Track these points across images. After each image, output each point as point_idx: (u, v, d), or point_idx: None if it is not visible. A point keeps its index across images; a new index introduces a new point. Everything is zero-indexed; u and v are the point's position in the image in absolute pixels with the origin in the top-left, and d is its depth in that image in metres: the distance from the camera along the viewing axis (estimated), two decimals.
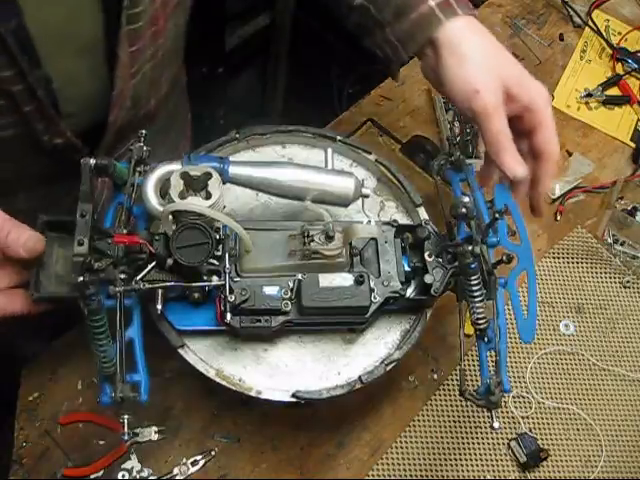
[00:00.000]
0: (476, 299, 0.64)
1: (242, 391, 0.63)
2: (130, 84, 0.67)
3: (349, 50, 1.84)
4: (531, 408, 0.82)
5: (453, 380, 0.82)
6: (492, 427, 0.63)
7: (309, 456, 0.76)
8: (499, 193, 0.71)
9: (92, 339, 0.56)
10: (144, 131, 0.60)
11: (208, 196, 0.59)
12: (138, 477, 0.72)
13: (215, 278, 0.60)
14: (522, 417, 0.82)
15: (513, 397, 0.83)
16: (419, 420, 0.80)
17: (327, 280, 0.62)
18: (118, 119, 0.68)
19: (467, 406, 0.81)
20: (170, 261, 0.57)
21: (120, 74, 0.64)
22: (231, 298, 0.59)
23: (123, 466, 0.72)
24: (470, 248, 0.62)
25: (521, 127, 0.71)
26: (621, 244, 0.95)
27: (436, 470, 0.78)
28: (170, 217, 0.57)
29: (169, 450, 0.74)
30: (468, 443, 0.80)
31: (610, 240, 0.95)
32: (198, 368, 0.63)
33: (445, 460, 0.78)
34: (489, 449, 0.80)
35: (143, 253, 0.58)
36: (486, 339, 0.65)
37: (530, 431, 0.81)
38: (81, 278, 0.52)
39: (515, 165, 0.67)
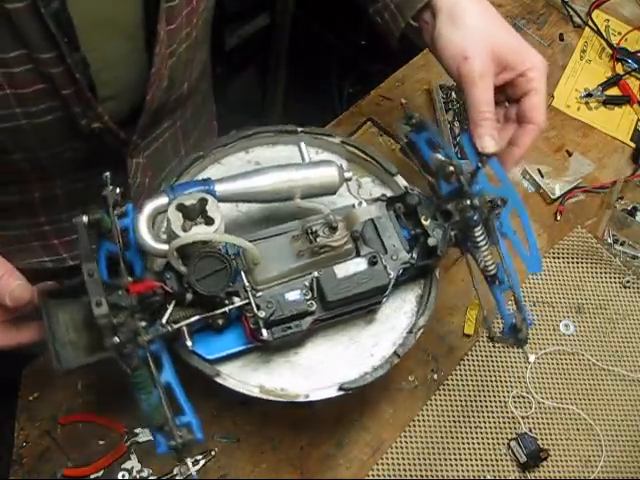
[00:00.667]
0: (482, 248, 0.66)
1: (290, 400, 0.62)
2: (168, 63, 0.68)
3: (349, 50, 1.84)
4: (531, 408, 0.82)
5: (453, 380, 0.82)
6: (528, 361, 0.71)
7: (309, 456, 0.76)
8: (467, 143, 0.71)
9: (137, 393, 0.55)
10: (107, 173, 0.58)
11: (209, 221, 0.57)
12: (138, 477, 0.72)
13: (236, 299, 0.59)
14: (522, 417, 0.82)
15: (513, 397, 0.83)
16: (419, 420, 0.80)
17: (343, 270, 0.62)
18: (155, 99, 0.68)
19: (467, 406, 0.81)
20: (190, 296, 0.57)
21: (159, 52, 0.64)
22: (261, 314, 0.58)
23: (123, 466, 0.72)
24: (469, 202, 0.63)
25: (513, 93, 0.71)
26: (621, 244, 0.95)
27: (436, 470, 0.78)
28: (174, 252, 0.57)
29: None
30: (468, 443, 0.80)
31: (610, 240, 0.95)
32: (241, 391, 0.62)
33: (445, 460, 0.78)
34: (489, 449, 0.80)
35: (157, 295, 0.56)
36: (497, 282, 0.67)
37: (530, 431, 0.81)
38: (115, 339, 0.51)
39: (488, 141, 0.67)
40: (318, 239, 0.62)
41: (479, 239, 0.66)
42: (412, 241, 0.67)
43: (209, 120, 0.94)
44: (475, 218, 0.64)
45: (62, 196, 0.72)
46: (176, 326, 0.57)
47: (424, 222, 0.66)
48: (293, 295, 0.61)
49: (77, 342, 0.56)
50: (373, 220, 0.66)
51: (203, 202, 0.57)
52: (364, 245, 0.65)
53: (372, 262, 0.63)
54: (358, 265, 0.63)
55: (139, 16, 0.63)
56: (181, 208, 0.57)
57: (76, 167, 0.71)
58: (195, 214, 0.57)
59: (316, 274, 0.62)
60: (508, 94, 0.72)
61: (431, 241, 0.65)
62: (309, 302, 0.61)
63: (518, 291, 0.66)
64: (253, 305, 0.59)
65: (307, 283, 0.62)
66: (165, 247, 0.57)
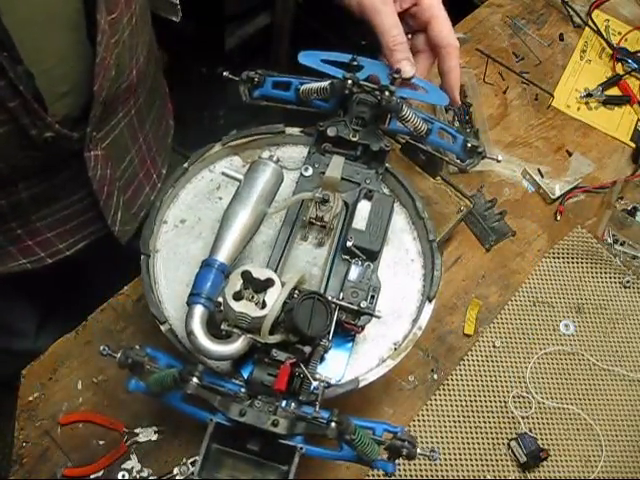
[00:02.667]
0: (411, 120, 0.68)
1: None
2: (113, 53, 0.68)
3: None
4: (531, 408, 0.82)
5: (453, 380, 0.82)
6: (498, 161, 0.70)
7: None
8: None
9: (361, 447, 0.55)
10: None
11: (262, 305, 0.56)
12: (138, 477, 0.72)
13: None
14: (522, 417, 0.82)
15: (513, 397, 0.83)
16: (419, 420, 0.80)
17: (360, 221, 0.64)
18: (103, 89, 0.68)
19: (467, 406, 0.81)
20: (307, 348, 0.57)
21: (101, 41, 0.65)
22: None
23: (123, 466, 0.72)
24: (387, 94, 0.65)
25: (415, 24, 0.73)
26: (621, 244, 0.95)
27: (436, 470, 0.78)
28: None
29: (169, 450, 0.74)
30: (468, 443, 0.80)
31: (610, 240, 0.95)
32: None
33: (445, 460, 0.78)
34: (489, 449, 0.80)
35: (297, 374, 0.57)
36: (429, 132, 0.70)
37: (530, 431, 0.81)
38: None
39: (406, 65, 0.69)
40: (325, 219, 0.63)
41: (406, 114, 0.67)
42: (365, 156, 0.70)
43: (163, 102, 0.94)
44: (398, 102, 0.66)
45: (28, 199, 0.73)
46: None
47: (352, 138, 0.69)
48: (354, 273, 0.63)
49: None
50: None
51: (269, 282, 0.56)
52: (349, 193, 0.68)
53: (369, 196, 0.65)
54: (364, 208, 0.64)
55: (78, 7, 0.63)
56: (246, 276, 0.56)
57: (37, 171, 0.71)
58: (257, 287, 0.56)
59: (349, 244, 0.63)
60: (410, 26, 0.73)
61: (374, 146, 0.68)
62: (368, 269, 0.63)
63: (455, 129, 0.71)
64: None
65: (350, 259, 0.64)
66: (223, 349, 0.56)
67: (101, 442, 0.73)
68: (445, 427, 0.80)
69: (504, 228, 0.94)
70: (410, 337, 0.65)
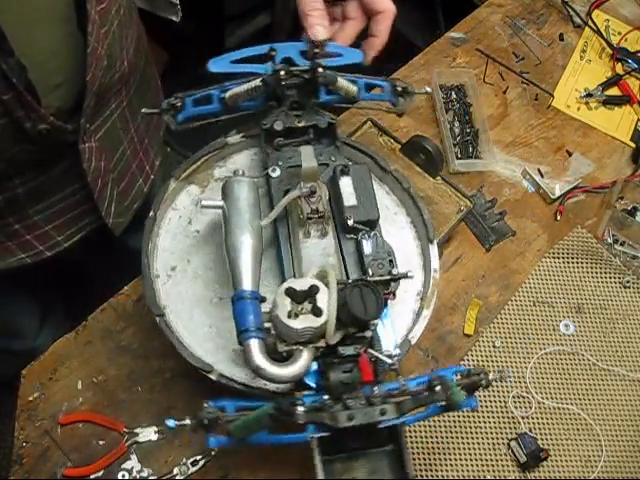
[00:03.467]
0: (342, 88, 0.69)
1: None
2: (104, 43, 0.68)
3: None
4: (531, 408, 0.82)
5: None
6: (428, 93, 0.73)
7: (309, 456, 0.76)
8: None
9: None
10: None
11: (317, 312, 0.55)
12: (138, 477, 0.72)
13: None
14: (522, 417, 0.82)
15: (513, 397, 0.83)
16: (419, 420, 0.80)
17: (349, 196, 0.65)
18: (96, 79, 0.69)
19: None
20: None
21: (92, 31, 0.65)
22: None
23: (123, 466, 0.72)
24: (320, 70, 0.66)
25: None
26: (621, 244, 0.95)
27: (436, 470, 0.78)
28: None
29: (169, 450, 0.74)
30: (468, 443, 0.80)
31: (610, 240, 0.95)
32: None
33: (445, 460, 0.78)
34: (489, 449, 0.80)
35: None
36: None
37: (530, 431, 0.81)
38: None
39: (318, 29, 0.68)
40: (319, 208, 0.63)
41: (339, 83, 0.68)
42: (317, 138, 0.71)
43: (155, 95, 0.94)
44: (333, 74, 0.67)
45: (24, 194, 0.73)
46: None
47: (299, 124, 0.69)
48: (368, 247, 0.64)
49: None
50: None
51: (314, 289, 0.56)
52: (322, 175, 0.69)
53: (345, 171, 0.66)
54: (346, 184, 0.66)
55: (71, 1, 0.63)
56: (290, 292, 0.56)
57: (32, 165, 0.71)
58: (303, 298, 0.56)
59: (350, 222, 0.64)
60: None
61: (321, 124, 0.70)
62: (377, 238, 0.65)
63: (366, 78, 0.72)
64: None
65: (355, 236, 0.65)
66: (298, 366, 0.56)
67: (101, 442, 0.73)
68: (445, 427, 0.80)
69: (504, 228, 0.94)
70: (431, 282, 0.67)
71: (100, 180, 0.78)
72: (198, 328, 0.67)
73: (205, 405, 0.54)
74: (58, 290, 1.09)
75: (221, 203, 0.63)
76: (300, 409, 0.51)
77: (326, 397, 0.56)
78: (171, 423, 0.53)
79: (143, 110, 0.69)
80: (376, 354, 0.58)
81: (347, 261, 0.65)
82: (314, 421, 0.53)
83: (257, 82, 0.67)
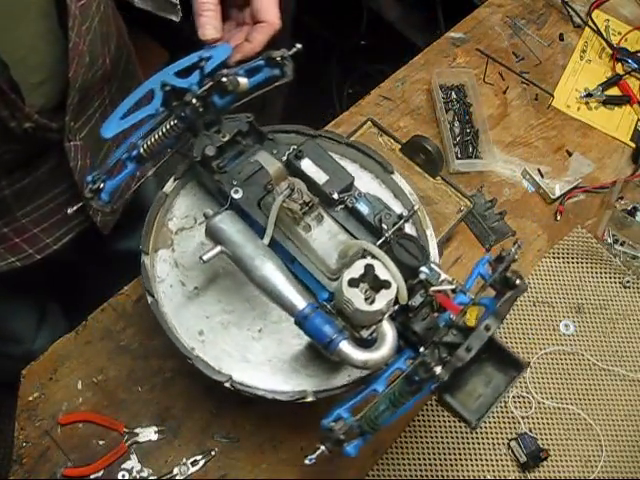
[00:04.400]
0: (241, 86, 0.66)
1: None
2: (85, 40, 0.68)
3: (349, 50, 1.84)
4: (531, 408, 0.82)
5: None
6: (301, 53, 0.67)
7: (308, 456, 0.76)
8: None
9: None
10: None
11: (386, 285, 0.57)
12: (138, 477, 0.72)
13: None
14: (522, 417, 0.82)
15: (513, 397, 0.83)
16: (419, 420, 0.80)
17: (317, 174, 0.66)
18: (78, 76, 0.69)
19: None
20: None
21: (73, 26, 0.65)
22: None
23: (123, 466, 0.72)
24: (230, 78, 0.64)
25: None
26: (621, 244, 0.95)
27: (436, 470, 0.78)
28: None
29: (169, 450, 0.74)
30: (468, 443, 0.80)
31: (610, 240, 0.95)
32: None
33: (445, 460, 0.78)
34: (489, 449, 0.80)
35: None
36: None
37: (530, 431, 0.81)
38: None
39: (209, 29, 0.67)
40: (305, 199, 0.63)
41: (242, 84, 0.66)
42: (248, 141, 0.70)
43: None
44: (231, 78, 0.65)
45: (11, 196, 0.73)
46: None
47: (226, 139, 0.68)
48: (363, 207, 0.66)
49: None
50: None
51: (386, 284, 0.57)
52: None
53: (300, 155, 0.67)
54: (308, 165, 0.67)
55: None
56: (352, 283, 0.57)
57: (18, 165, 0.71)
58: (374, 284, 0.57)
59: (335, 196, 0.66)
60: (236, 1, 0.72)
61: (243, 127, 0.69)
62: (364, 196, 0.67)
63: (247, 65, 0.69)
64: None
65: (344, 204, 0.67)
66: (390, 340, 0.57)
67: (101, 442, 0.73)
68: (445, 427, 0.80)
69: (504, 228, 0.94)
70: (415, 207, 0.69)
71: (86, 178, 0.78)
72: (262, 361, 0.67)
73: (331, 424, 0.56)
74: (54, 292, 1.09)
75: (219, 248, 0.61)
76: (438, 368, 0.52)
77: (422, 349, 0.58)
78: (312, 458, 0.58)
79: (69, 211, 0.68)
80: (441, 288, 0.60)
81: (352, 230, 0.66)
82: (450, 371, 0.53)
83: (171, 123, 0.64)
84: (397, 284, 0.57)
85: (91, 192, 0.64)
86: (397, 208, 0.71)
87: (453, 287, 0.60)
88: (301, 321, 0.58)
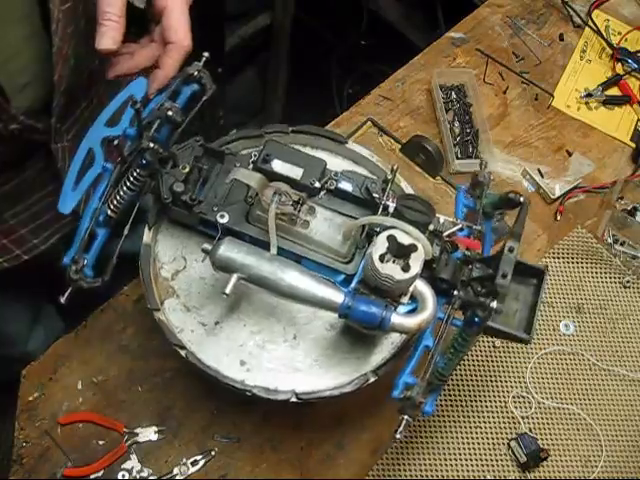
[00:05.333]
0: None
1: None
2: (71, 43, 0.68)
3: (349, 50, 1.84)
4: (531, 408, 0.82)
5: (453, 380, 0.82)
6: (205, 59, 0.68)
7: (309, 456, 0.76)
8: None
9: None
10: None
11: (406, 268, 0.58)
12: (138, 477, 0.72)
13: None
14: (522, 417, 0.82)
15: (513, 397, 0.83)
16: (419, 420, 0.80)
17: (291, 171, 0.66)
18: (63, 79, 0.68)
19: (467, 406, 0.81)
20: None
21: (56, 30, 0.64)
22: None
23: (123, 466, 0.72)
24: (171, 113, 0.64)
25: (152, 13, 0.69)
26: (621, 244, 0.95)
27: (436, 470, 0.78)
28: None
29: (169, 450, 0.74)
30: (468, 443, 0.80)
31: (610, 240, 0.95)
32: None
33: (445, 460, 0.78)
34: (489, 449, 0.80)
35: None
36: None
37: (530, 431, 0.81)
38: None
39: (106, 39, 0.63)
40: (294, 199, 0.64)
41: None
42: (211, 163, 0.69)
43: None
44: (174, 109, 0.64)
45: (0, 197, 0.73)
46: None
47: (187, 170, 0.66)
48: (346, 185, 0.67)
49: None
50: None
51: (412, 248, 0.58)
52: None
53: (267, 159, 0.66)
54: (277, 164, 0.66)
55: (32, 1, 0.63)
56: (383, 259, 0.58)
57: (6, 167, 0.71)
58: (399, 252, 0.58)
59: (317, 184, 0.66)
60: (150, 13, 0.70)
61: (198, 152, 0.68)
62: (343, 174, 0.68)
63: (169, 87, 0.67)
64: None
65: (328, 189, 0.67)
66: (431, 304, 0.59)
67: (101, 442, 0.73)
68: (445, 427, 0.80)
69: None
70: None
71: None
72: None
73: (405, 393, 0.58)
74: (48, 293, 1.09)
75: (235, 276, 0.60)
76: (493, 303, 0.56)
77: (456, 292, 0.61)
78: (400, 431, 0.60)
79: (61, 300, 0.64)
80: (451, 231, 0.63)
81: (344, 210, 0.66)
82: (502, 300, 0.58)
83: (133, 174, 0.63)
84: (422, 244, 0.59)
85: (76, 273, 0.62)
86: (366, 174, 0.71)
87: (460, 227, 0.63)
88: (346, 313, 0.59)
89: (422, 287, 0.60)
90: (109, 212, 0.63)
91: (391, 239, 0.58)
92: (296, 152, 0.68)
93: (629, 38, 1.16)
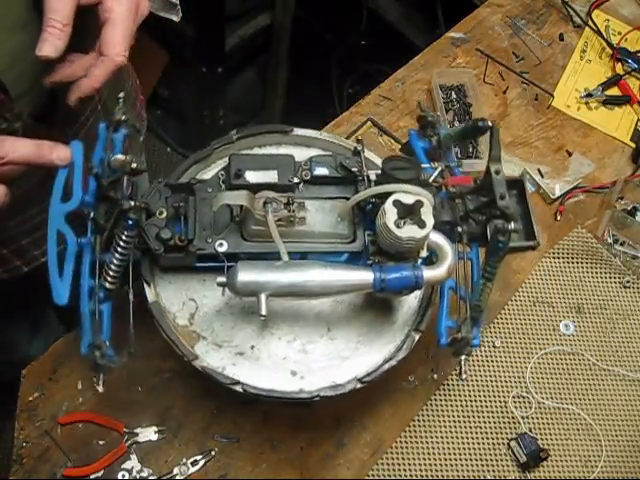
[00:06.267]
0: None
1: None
2: (70, 48, 0.66)
3: (349, 50, 1.84)
4: (531, 408, 0.82)
5: (453, 380, 0.82)
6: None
7: (309, 456, 0.76)
8: None
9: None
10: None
11: (421, 224, 0.60)
12: (138, 477, 0.72)
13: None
14: (522, 417, 0.82)
15: (513, 397, 0.83)
16: (419, 420, 0.80)
17: (267, 176, 0.66)
18: (65, 87, 0.67)
19: (467, 406, 0.81)
20: None
21: None
22: None
23: (123, 466, 0.72)
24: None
25: (94, 23, 0.66)
26: (621, 244, 0.95)
27: (436, 470, 0.78)
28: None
29: (169, 450, 0.74)
30: (468, 443, 0.80)
31: (610, 240, 0.95)
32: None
33: (445, 460, 0.78)
34: (489, 449, 0.80)
35: None
36: None
37: (530, 431, 0.81)
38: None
39: (47, 46, 0.60)
40: (285, 201, 0.64)
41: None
42: (181, 195, 0.67)
43: (131, 95, 0.93)
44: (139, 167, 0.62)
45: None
46: None
47: (164, 215, 0.64)
48: (319, 170, 0.68)
49: None
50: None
51: (419, 204, 0.61)
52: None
53: (238, 174, 0.65)
54: (252, 174, 0.66)
55: (27, 5, 0.62)
56: (398, 224, 0.60)
57: None
58: (406, 213, 0.60)
59: (295, 179, 0.67)
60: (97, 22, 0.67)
61: (166, 193, 0.66)
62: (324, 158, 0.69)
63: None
64: None
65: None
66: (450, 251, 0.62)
67: (101, 442, 0.73)
68: (445, 427, 0.80)
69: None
70: None
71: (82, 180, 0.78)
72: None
73: (452, 336, 0.63)
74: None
75: (264, 295, 0.59)
76: (511, 225, 0.59)
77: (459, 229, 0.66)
78: (466, 371, 0.65)
79: (99, 389, 0.61)
80: (435, 174, 0.66)
81: (329, 193, 0.67)
82: (516, 220, 0.62)
83: (123, 239, 0.60)
84: (425, 197, 0.61)
85: (102, 359, 0.58)
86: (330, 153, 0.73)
87: (442, 169, 0.67)
88: (382, 287, 0.60)
89: (435, 237, 0.62)
90: (107, 285, 0.60)
91: (397, 204, 0.60)
92: (262, 157, 0.68)
93: (629, 38, 1.16)
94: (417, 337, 0.66)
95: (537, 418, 0.82)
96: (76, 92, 0.65)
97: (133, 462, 0.73)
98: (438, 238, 0.63)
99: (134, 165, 0.60)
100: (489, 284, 0.62)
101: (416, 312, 0.69)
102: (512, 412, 0.82)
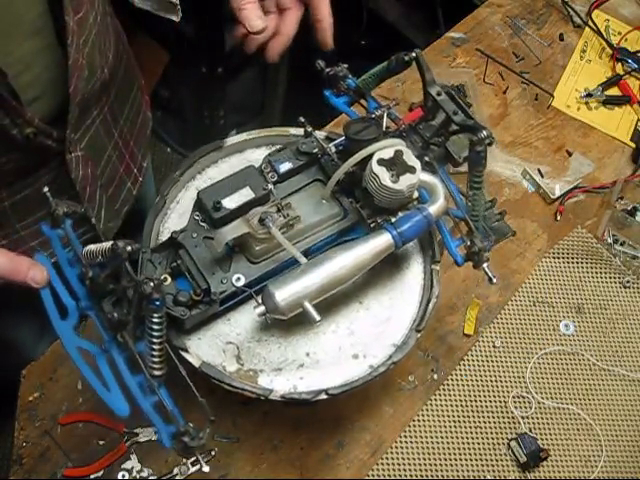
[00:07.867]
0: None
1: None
2: (84, 52, 0.68)
3: (349, 50, 1.84)
4: (531, 408, 0.82)
5: (453, 380, 0.82)
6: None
7: (309, 456, 0.76)
8: None
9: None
10: (46, 189, 0.56)
11: (411, 170, 0.61)
12: (138, 477, 0.72)
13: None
14: (522, 417, 0.82)
15: (513, 397, 0.83)
16: (419, 420, 0.80)
17: (243, 196, 0.65)
18: (79, 90, 0.68)
19: (467, 406, 0.81)
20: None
21: (72, 42, 0.64)
22: None
23: (123, 466, 0.72)
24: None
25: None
26: (621, 244, 0.95)
27: (436, 470, 0.78)
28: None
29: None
30: (468, 443, 0.80)
31: (610, 240, 0.95)
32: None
33: (445, 460, 0.78)
34: (489, 449, 0.80)
35: None
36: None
37: (530, 431, 0.81)
38: None
39: (253, 19, 0.69)
40: (277, 206, 0.63)
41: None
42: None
43: (137, 96, 0.92)
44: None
45: (10, 207, 0.72)
46: None
47: (164, 274, 0.63)
48: (284, 166, 0.68)
49: None
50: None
51: (399, 153, 0.62)
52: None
53: (217, 207, 0.63)
54: (241, 194, 0.65)
55: (44, 10, 0.62)
56: (381, 162, 0.61)
57: (19, 176, 0.71)
58: (394, 164, 0.62)
59: (270, 184, 0.66)
60: None
61: (156, 263, 0.64)
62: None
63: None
64: None
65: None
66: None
67: (101, 442, 0.73)
68: (445, 427, 0.80)
69: (504, 228, 0.94)
70: None
71: (89, 188, 0.78)
72: None
73: (470, 249, 0.65)
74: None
75: (307, 303, 0.59)
76: (483, 133, 0.63)
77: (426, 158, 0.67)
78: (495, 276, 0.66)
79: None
80: (386, 118, 0.68)
81: (302, 182, 0.67)
82: (476, 132, 0.64)
83: (156, 322, 0.56)
84: (400, 145, 0.62)
85: (193, 441, 0.56)
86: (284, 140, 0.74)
87: (387, 106, 0.69)
88: (403, 240, 0.61)
89: (422, 176, 0.64)
90: (157, 373, 0.57)
91: (381, 162, 0.61)
92: (231, 178, 0.65)
93: (629, 38, 1.16)
94: (433, 300, 0.66)
95: (537, 418, 0.82)
96: (326, 36, 0.78)
97: (133, 462, 0.73)
98: (425, 177, 0.64)
99: (129, 248, 0.55)
100: (478, 192, 0.65)
101: (424, 266, 0.70)
102: (512, 412, 0.82)
